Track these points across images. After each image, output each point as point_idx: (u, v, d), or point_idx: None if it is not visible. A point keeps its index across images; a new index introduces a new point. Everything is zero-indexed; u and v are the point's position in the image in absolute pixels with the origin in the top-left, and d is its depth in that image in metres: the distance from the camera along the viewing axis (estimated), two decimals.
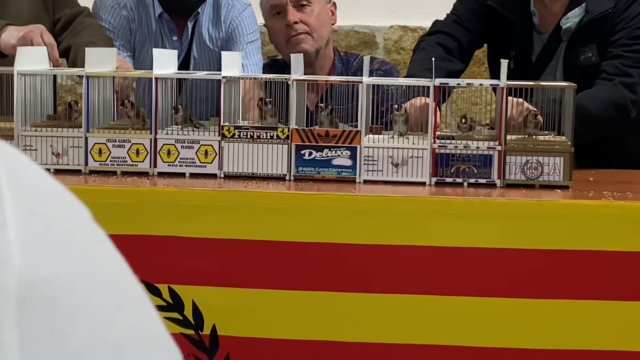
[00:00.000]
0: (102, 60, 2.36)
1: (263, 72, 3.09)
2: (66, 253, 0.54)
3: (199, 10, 3.09)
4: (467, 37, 2.87)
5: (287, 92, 2.27)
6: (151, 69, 2.31)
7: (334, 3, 3.15)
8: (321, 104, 2.33)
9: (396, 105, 2.34)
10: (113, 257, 0.57)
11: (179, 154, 2.27)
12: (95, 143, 2.28)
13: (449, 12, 2.94)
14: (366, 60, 2.41)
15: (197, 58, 3.11)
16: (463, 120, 2.31)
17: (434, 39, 2.88)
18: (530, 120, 2.31)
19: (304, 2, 3.04)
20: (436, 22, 2.95)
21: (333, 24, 3.16)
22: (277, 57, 3.33)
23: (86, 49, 2.35)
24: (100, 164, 2.28)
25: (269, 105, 2.31)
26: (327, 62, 3.11)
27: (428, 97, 2.26)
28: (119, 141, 2.27)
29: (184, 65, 3.06)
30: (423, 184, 2.22)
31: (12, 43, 2.52)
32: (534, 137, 2.30)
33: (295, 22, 3.01)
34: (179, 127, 2.32)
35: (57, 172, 2.27)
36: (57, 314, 0.52)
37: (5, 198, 0.53)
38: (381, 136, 2.30)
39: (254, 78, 2.64)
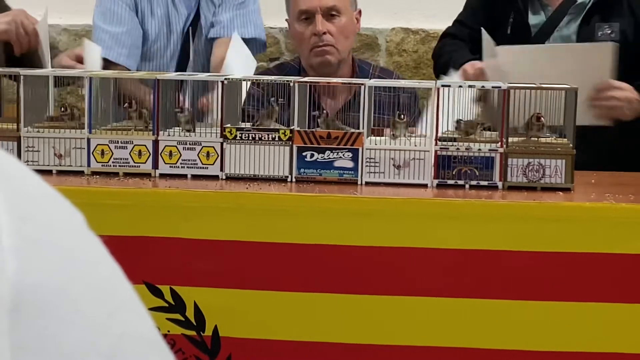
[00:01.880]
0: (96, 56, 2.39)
1: (270, 74, 3.08)
2: (59, 259, 0.54)
3: None
4: (473, 32, 2.88)
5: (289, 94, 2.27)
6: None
7: (360, 10, 3.10)
8: (315, 112, 2.32)
9: (398, 112, 2.34)
10: (106, 263, 0.57)
11: (180, 155, 2.27)
12: (97, 144, 2.28)
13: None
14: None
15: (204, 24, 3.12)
16: (456, 125, 2.31)
17: (445, 40, 2.90)
18: (534, 123, 2.31)
19: (334, 12, 2.98)
20: (444, 34, 2.98)
21: (357, 32, 3.13)
22: (286, 62, 3.32)
23: (85, 42, 2.36)
24: (102, 165, 2.28)
25: (277, 107, 2.30)
26: (347, 71, 3.07)
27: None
28: (121, 142, 2.28)
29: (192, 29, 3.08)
30: (425, 186, 2.22)
31: (2, 28, 2.54)
32: (536, 139, 2.30)
33: (324, 33, 2.95)
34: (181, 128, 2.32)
35: (60, 173, 2.28)
36: (49, 320, 0.52)
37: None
38: (383, 138, 2.30)
39: (255, 80, 2.63)
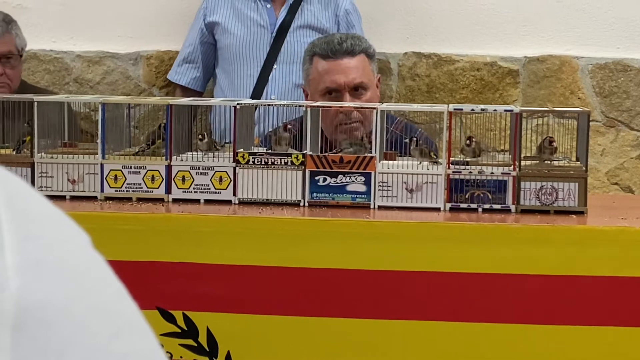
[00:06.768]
0: None
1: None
2: (63, 278, 0.54)
3: None
4: None
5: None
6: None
7: (380, 77, 3.05)
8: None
9: (411, 136, 2.35)
10: (111, 282, 0.57)
11: (193, 180, 2.28)
12: (110, 170, 2.29)
13: None
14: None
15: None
16: (467, 142, 2.31)
17: None
18: (546, 147, 2.31)
19: (360, 88, 2.91)
20: None
21: (379, 100, 3.02)
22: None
23: None
24: (115, 191, 2.29)
25: (287, 133, 2.30)
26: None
27: None
28: (134, 167, 2.29)
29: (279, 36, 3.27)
30: (437, 209, 2.22)
31: None
32: (549, 162, 2.30)
33: (351, 110, 2.83)
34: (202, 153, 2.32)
35: (73, 199, 2.29)
36: (52, 338, 0.52)
37: (3, 223, 0.53)
38: (395, 162, 2.30)
39: (269, 104, 2.64)
